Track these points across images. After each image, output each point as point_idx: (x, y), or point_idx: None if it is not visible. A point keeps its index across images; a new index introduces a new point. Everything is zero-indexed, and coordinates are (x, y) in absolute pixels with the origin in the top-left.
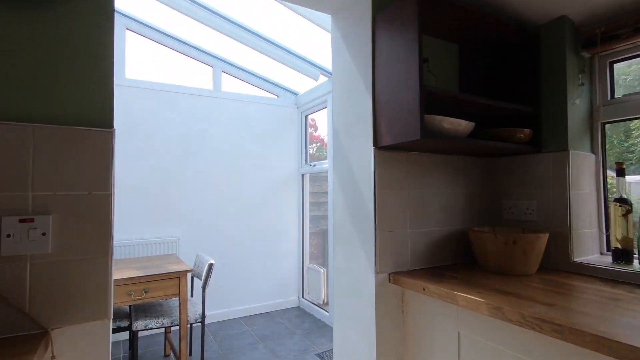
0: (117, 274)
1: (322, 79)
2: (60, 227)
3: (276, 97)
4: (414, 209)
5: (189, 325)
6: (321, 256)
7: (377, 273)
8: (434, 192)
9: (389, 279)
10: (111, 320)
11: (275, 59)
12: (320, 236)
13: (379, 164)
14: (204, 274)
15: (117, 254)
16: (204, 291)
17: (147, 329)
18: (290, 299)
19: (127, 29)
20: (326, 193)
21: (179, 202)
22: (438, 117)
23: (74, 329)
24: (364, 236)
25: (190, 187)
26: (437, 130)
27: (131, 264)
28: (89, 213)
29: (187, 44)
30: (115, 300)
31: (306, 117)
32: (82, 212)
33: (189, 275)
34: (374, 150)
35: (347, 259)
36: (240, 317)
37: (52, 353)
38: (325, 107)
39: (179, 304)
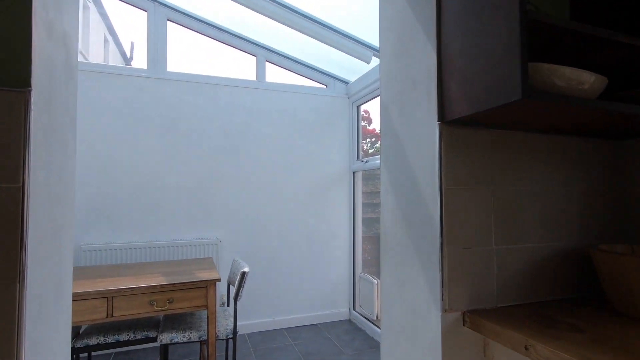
0: (140, 281)
1: (374, 62)
2: None
3: (324, 86)
4: (502, 215)
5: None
6: (375, 264)
7: (444, 310)
8: (534, 190)
9: (464, 321)
10: None
11: (322, 41)
12: (375, 241)
13: (447, 147)
14: (236, 282)
15: (156, 255)
16: (235, 302)
17: (172, 343)
18: (340, 311)
19: (168, 20)
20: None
21: (220, 202)
22: (548, 66)
23: None
24: (424, 253)
25: (232, 185)
26: (547, 89)
27: (159, 269)
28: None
29: (230, 32)
30: (137, 311)
31: (358, 107)
32: None
33: (219, 284)
34: (439, 126)
35: (399, 284)
36: (285, 328)
37: None
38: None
39: (207, 316)
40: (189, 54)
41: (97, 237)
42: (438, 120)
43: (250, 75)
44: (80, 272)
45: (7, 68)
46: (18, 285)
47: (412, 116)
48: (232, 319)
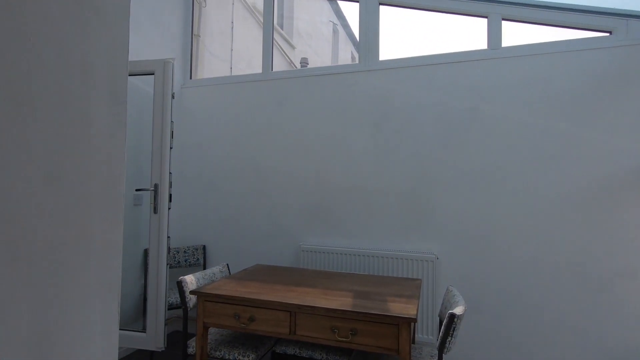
0: (324, 300)
1: None
2: None
3: (607, 34)
4: None
5: None
6: None
7: None
8: None
9: None
10: None
11: None
12: None
13: None
14: (442, 327)
15: (365, 264)
16: (440, 355)
17: None
18: None
19: (380, 4)
20: None
21: (439, 208)
22: None
23: None
24: None
25: (453, 187)
26: None
27: (350, 284)
28: None
29: None
30: (319, 335)
31: None
32: None
33: (429, 318)
34: None
35: None
36: None
37: None
38: None
39: None
40: (403, 38)
41: (315, 239)
42: None
43: (479, 43)
44: (289, 275)
45: None
46: None
47: None
48: None
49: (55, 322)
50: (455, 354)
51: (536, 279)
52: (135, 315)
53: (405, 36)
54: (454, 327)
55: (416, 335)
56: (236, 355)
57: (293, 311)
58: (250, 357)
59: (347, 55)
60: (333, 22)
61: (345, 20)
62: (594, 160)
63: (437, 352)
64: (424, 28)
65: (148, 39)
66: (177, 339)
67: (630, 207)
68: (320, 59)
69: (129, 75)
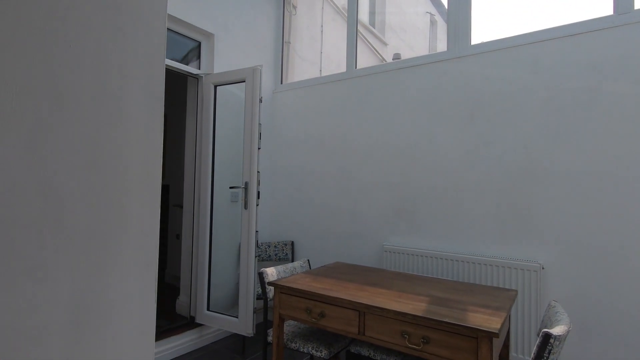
0: (395, 303)
1: None
2: None
3: None
4: None
5: None
6: None
7: None
8: None
9: None
10: None
11: None
12: None
13: None
14: (535, 348)
15: (455, 271)
16: None
17: None
18: None
19: None
20: None
21: (545, 210)
22: None
23: None
24: None
25: (565, 186)
26: None
27: (429, 289)
28: None
29: None
30: (388, 338)
31: None
32: None
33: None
34: None
35: None
36: None
37: None
38: None
39: None
40: (500, 18)
41: (399, 239)
42: None
43: (601, 9)
44: (366, 274)
45: None
46: None
47: None
48: None
49: (93, 291)
50: None
51: None
52: (232, 303)
53: (503, 16)
54: (550, 350)
55: (510, 354)
56: (310, 349)
57: (362, 311)
58: (323, 353)
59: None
60: (430, 13)
61: (443, 8)
62: None
63: None
64: (526, 4)
65: (244, 51)
66: (264, 329)
67: None
68: (414, 52)
69: (225, 84)
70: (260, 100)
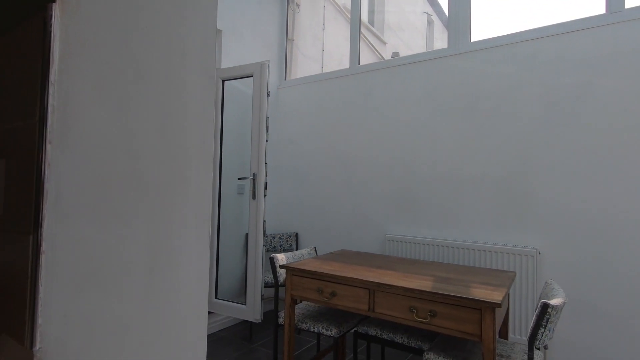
0: (404, 279)
1: None
2: (6, 179)
3: None
4: None
5: None
6: None
7: None
8: None
9: None
10: (36, 353)
11: None
12: None
13: None
14: (534, 318)
15: (454, 257)
16: (530, 348)
17: None
18: None
19: None
20: None
21: (541, 198)
22: None
23: (8, 343)
24: None
25: (559, 174)
26: None
27: (433, 271)
28: (19, 155)
29: None
30: (397, 314)
31: None
32: (17, 153)
33: (500, 310)
34: None
35: None
36: None
37: None
38: None
39: (482, 352)
40: (499, 16)
41: (401, 228)
42: None
43: (593, 8)
44: (372, 259)
45: None
46: (33, 239)
47: None
48: None
49: (161, 239)
50: (562, 359)
51: None
52: (239, 291)
53: (501, 14)
54: (548, 319)
55: (508, 335)
56: (320, 328)
57: (372, 289)
58: (333, 332)
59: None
60: (427, 13)
61: (440, 8)
62: None
63: (528, 344)
64: (524, 3)
65: (249, 48)
66: (272, 315)
67: None
68: (412, 51)
69: (233, 79)
70: (268, 94)
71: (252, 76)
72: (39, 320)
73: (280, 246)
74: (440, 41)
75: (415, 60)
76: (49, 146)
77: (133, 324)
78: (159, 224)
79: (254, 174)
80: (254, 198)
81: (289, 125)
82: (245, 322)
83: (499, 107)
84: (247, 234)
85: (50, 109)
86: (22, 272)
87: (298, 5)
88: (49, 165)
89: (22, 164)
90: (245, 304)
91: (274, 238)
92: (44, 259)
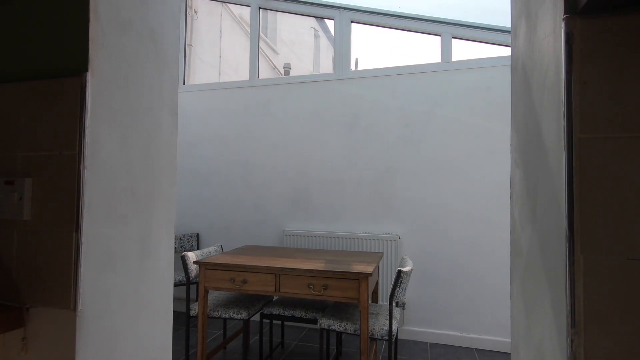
0: (302, 264)
1: None
2: (38, 192)
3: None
4: None
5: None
6: None
7: None
8: None
9: None
10: (78, 313)
11: None
12: None
13: (583, 58)
14: (393, 281)
15: (339, 244)
16: (390, 302)
17: (329, 329)
18: None
19: (352, 22)
20: None
21: (401, 196)
22: None
23: (46, 312)
24: (548, 262)
25: (412, 178)
26: None
27: (323, 256)
28: (58, 176)
29: (410, 17)
30: (298, 291)
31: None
32: (53, 175)
33: (371, 279)
34: (566, 22)
35: (525, 309)
36: (477, 349)
37: (25, 334)
38: None
39: (360, 311)
40: (374, 51)
41: (296, 224)
42: (566, 13)
43: (436, 57)
44: (274, 251)
45: (65, 62)
46: (75, 234)
47: (535, 14)
48: (394, 320)
49: (147, 235)
50: (415, 315)
51: (477, 248)
52: None
53: (374, 50)
54: (401, 281)
55: (378, 301)
56: (231, 313)
57: (278, 273)
58: (243, 314)
59: (328, 59)
60: (314, 29)
61: (326, 25)
62: None
63: (393, 301)
64: (389, 43)
65: None
66: (179, 319)
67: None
68: (302, 64)
69: None
70: None
71: None
72: (80, 290)
73: (182, 247)
74: (326, 56)
75: (307, 80)
76: (85, 170)
77: (132, 292)
78: (146, 224)
79: None
80: None
81: (189, 130)
82: None
83: (372, 125)
84: None
85: (85, 144)
86: (68, 258)
87: (196, 12)
88: (85, 183)
89: (66, 183)
90: None
91: (175, 239)
92: (82, 249)
